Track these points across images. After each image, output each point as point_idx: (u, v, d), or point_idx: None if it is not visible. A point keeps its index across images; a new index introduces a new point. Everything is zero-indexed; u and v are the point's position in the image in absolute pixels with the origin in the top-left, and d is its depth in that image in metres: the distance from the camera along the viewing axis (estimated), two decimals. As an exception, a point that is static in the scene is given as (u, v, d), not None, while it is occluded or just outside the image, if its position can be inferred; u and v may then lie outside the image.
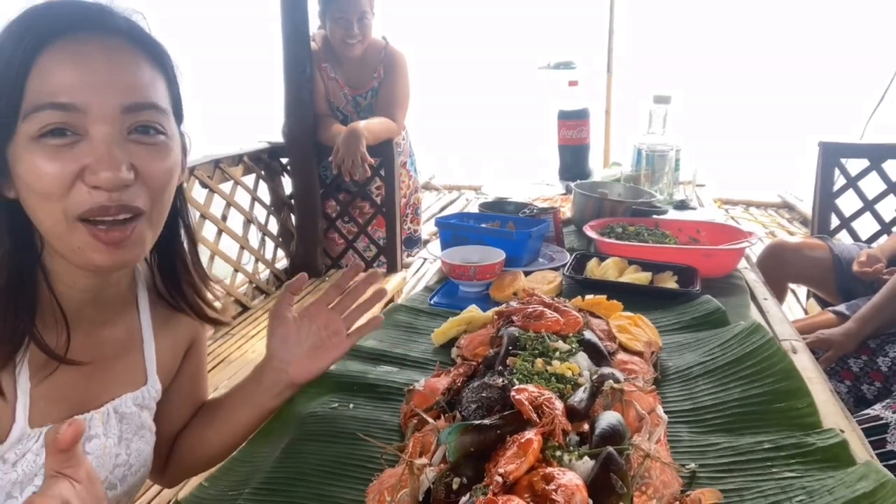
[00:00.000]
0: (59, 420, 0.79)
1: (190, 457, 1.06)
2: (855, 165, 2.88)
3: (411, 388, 0.99)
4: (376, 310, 1.15)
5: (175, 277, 0.93)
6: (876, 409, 1.45)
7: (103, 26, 0.74)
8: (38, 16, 0.72)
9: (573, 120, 2.70)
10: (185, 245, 0.93)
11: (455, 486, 0.69)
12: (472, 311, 1.27)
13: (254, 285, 2.94)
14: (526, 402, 0.77)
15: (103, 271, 0.77)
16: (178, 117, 0.83)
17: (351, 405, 1.03)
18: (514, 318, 1.09)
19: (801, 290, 3.32)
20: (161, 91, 0.78)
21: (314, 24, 3.01)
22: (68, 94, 0.70)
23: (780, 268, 2.37)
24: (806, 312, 3.14)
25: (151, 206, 0.77)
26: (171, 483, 1.10)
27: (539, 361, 0.93)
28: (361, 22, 2.83)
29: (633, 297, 1.36)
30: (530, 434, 0.72)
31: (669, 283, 1.49)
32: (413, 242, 3.49)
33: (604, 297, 1.27)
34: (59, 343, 0.78)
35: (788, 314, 1.53)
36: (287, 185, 3.19)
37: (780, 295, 2.50)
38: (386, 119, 2.90)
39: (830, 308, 2.05)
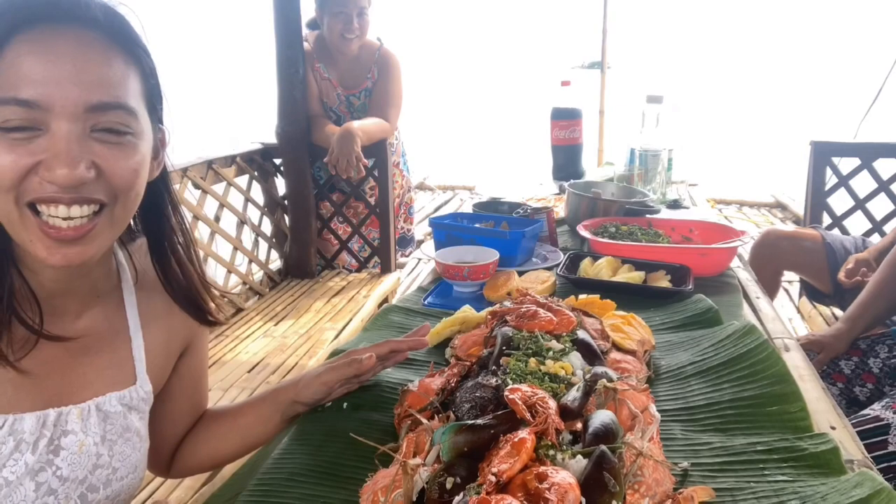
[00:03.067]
0: (29, 410, 0.77)
1: (198, 463, 1.06)
2: (847, 164, 2.90)
3: (405, 388, 0.99)
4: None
5: (170, 274, 0.92)
6: (875, 410, 1.45)
7: (77, 17, 0.72)
8: (9, 3, 0.70)
9: (566, 120, 2.70)
10: (180, 242, 0.92)
11: (449, 486, 0.69)
12: (466, 311, 1.27)
13: (247, 286, 2.93)
14: (519, 402, 0.77)
15: (53, 266, 0.76)
16: (153, 112, 0.82)
17: (345, 405, 1.03)
18: (508, 317, 1.09)
19: (794, 289, 3.34)
20: (133, 88, 0.76)
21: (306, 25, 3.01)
22: (32, 89, 0.68)
23: (773, 255, 2.38)
24: (799, 311, 3.16)
25: (114, 203, 0.76)
26: (175, 477, 1.12)
27: (532, 361, 0.93)
28: (361, 17, 2.84)
29: (627, 297, 1.37)
30: (524, 433, 0.73)
31: (662, 282, 1.50)
32: (406, 242, 3.49)
33: (597, 296, 1.27)
34: (32, 323, 0.78)
35: (781, 312, 1.53)
36: (280, 185, 3.18)
37: (773, 284, 2.50)
38: (380, 119, 2.90)
39: None
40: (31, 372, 0.79)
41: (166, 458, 1.05)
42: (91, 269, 0.85)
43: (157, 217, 0.90)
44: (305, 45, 2.96)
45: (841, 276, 2.12)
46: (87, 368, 0.85)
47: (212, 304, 0.97)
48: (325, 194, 3.14)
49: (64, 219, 0.72)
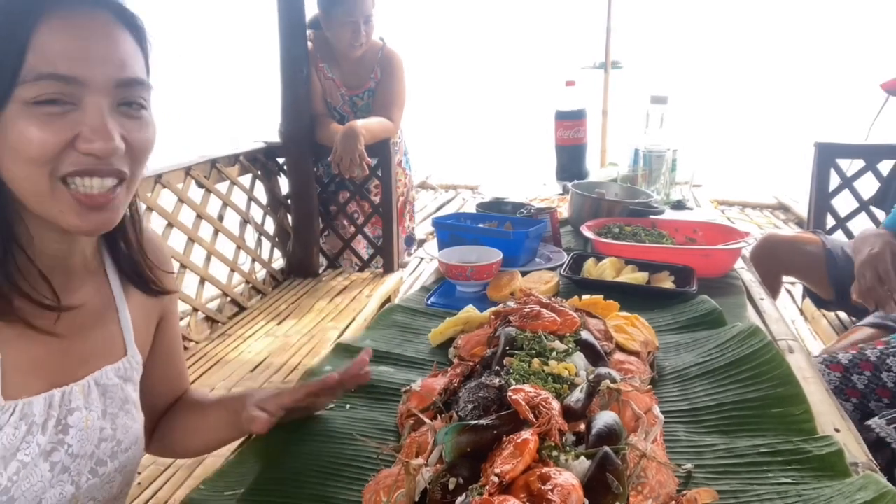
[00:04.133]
0: (35, 393, 0.79)
1: (170, 448, 1.07)
2: (851, 166, 2.89)
3: (408, 388, 0.99)
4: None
5: (117, 249, 0.94)
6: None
7: (93, 0, 0.76)
8: None
9: (570, 120, 2.70)
10: (130, 220, 0.93)
11: (451, 487, 0.69)
12: (470, 311, 1.27)
13: (250, 285, 2.93)
14: (522, 402, 0.77)
15: (82, 234, 0.79)
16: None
17: (347, 405, 1.03)
18: (511, 318, 1.09)
19: (797, 290, 3.33)
20: (142, 66, 0.80)
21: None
22: (69, 65, 0.72)
23: (772, 260, 2.37)
24: (802, 312, 3.15)
25: (131, 174, 0.79)
26: (153, 454, 1.11)
27: (536, 361, 0.93)
28: (367, 24, 2.85)
29: (630, 297, 1.37)
30: (527, 434, 0.72)
31: (666, 283, 1.49)
32: (411, 240, 3.50)
33: (601, 297, 1.27)
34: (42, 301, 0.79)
35: (784, 314, 1.52)
36: (284, 184, 3.19)
37: (773, 288, 2.49)
38: (383, 119, 2.90)
39: (865, 322, 2.00)
40: (34, 354, 0.80)
41: (147, 433, 1.04)
42: (86, 242, 0.87)
43: None
44: (308, 44, 2.96)
45: (855, 297, 2.10)
46: (83, 345, 0.86)
47: (152, 275, 0.96)
48: (328, 193, 3.14)
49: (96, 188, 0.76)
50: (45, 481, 0.78)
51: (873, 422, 1.43)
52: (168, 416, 1.06)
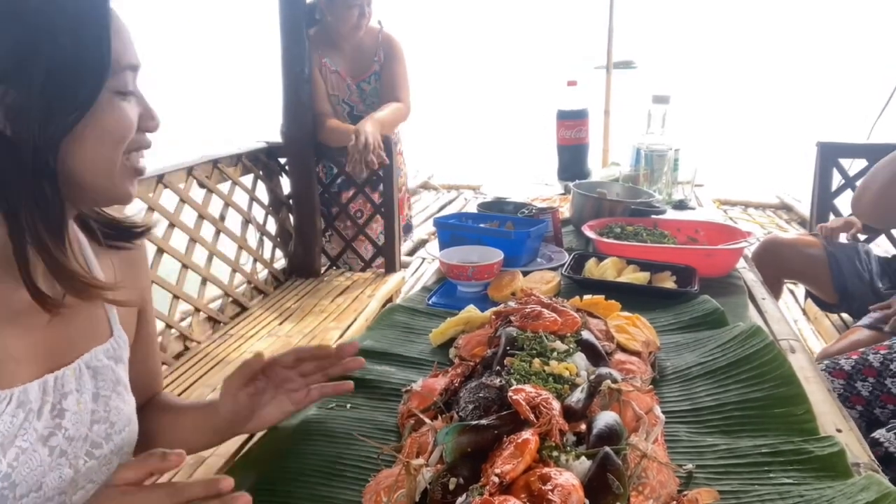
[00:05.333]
0: (29, 379, 0.79)
1: (143, 443, 1.03)
2: (854, 166, 2.88)
3: (409, 388, 0.99)
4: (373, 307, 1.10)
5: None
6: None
7: None
8: None
9: (572, 120, 2.69)
10: None
11: (452, 487, 0.69)
12: (471, 311, 1.27)
13: (252, 285, 2.93)
14: (523, 403, 0.77)
15: (128, 201, 0.85)
16: None
17: (348, 405, 1.03)
18: (512, 318, 1.09)
19: (800, 291, 3.32)
20: None
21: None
22: (134, 55, 0.79)
23: (774, 263, 2.36)
24: (804, 313, 3.15)
25: None
26: None
27: (537, 361, 0.93)
28: (370, 6, 2.87)
29: (632, 297, 1.36)
30: (527, 434, 0.72)
31: (668, 283, 1.49)
32: (409, 228, 3.53)
33: (602, 297, 1.27)
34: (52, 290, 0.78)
35: (787, 314, 1.51)
36: (285, 184, 3.19)
37: (775, 291, 2.49)
38: (394, 104, 2.90)
39: (863, 322, 1.99)
40: (26, 341, 0.80)
41: None
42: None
43: None
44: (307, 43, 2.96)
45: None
46: (72, 328, 0.86)
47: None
48: (332, 193, 3.14)
49: None
50: (44, 465, 0.79)
51: (881, 435, 1.41)
52: (140, 416, 1.03)
